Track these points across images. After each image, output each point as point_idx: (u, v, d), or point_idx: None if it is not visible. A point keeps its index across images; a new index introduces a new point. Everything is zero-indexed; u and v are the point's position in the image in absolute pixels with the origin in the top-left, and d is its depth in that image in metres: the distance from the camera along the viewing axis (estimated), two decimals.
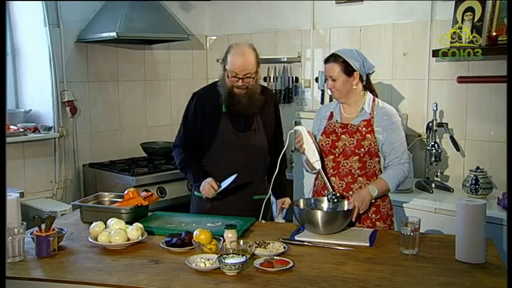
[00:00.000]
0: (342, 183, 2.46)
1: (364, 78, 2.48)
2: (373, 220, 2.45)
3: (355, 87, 2.44)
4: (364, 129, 2.43)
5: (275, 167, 2.56)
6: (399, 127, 2.47)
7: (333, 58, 2.44)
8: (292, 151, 3.79)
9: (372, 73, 2.51)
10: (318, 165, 2.39)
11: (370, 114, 2.45)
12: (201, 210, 2.72)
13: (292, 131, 2.48)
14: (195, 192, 2.78)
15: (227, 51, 2.57)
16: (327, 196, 2.39)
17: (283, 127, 2.87)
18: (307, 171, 2.62)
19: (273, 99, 2.83)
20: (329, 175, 2.46)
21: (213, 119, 2.64)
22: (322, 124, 2.56)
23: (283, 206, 2.75)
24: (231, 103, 2.59)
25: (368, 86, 2.53)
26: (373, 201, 2.42)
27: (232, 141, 2.64)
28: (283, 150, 2.57)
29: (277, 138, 2.80)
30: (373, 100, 2.49)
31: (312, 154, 2.40)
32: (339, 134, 2.47)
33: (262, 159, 2.73)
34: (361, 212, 2.37)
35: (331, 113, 2.55)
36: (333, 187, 2.42)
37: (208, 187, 2.57)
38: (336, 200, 2.36)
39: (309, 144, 2.40)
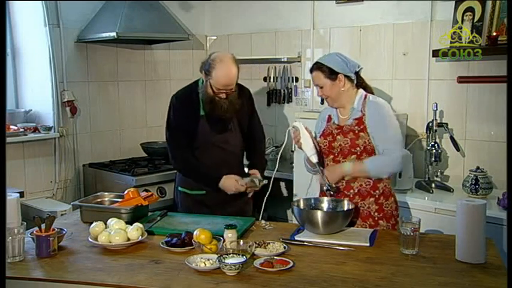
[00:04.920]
0: (343, 182, 2.47)
1: (354, 78, 2.49)
2: (376, 218, 2.45)
3: (343, 89, 2.46)
4: (356, 127, 2.45)
5: (252, 159, 2.89)
6: (389, 119, 2.45)
7: (315, 66, 2.50)
8: (292, 151, 3.79)
9: (359, 71, 2.52)
10: (314, 159, 2.41)
11: (361, 111, 2.46)
12: (186, 204, 2.88)
13: (291, 127, 2.52)
14: (179, 188, 2.93)
15: (210, 65, 2.65)
16: (323, 188, 2.42)
17: (262, 123, 3.04)
18: (308, 171, 2.63)
19: (249, 97, 2.94)
20: None
21: (192, 121, 2.77)
22: (322, 126, 2.59)
23: (252, 173, 2.84)
24: (211, 108, 2.72)
25: (361, 84, 2.54)
26: (373, 198, 2.44)
27: (210, 141, 2.78)
28: (282, 148, 2.68)
29: (254, 132, 2.94)
30: (364, 97, 2.50)
31: (308, 148, 2.43)
32: (334, 135, 2.50)
33: (238, 156, 2.90)
34: (333, 184, 2.40)
35: (329, 115, 2.58)
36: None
37: (234, 183, 2.71)
38: (332, 193, 2.38)
39: (306, 139, 2.44)
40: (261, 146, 3.03)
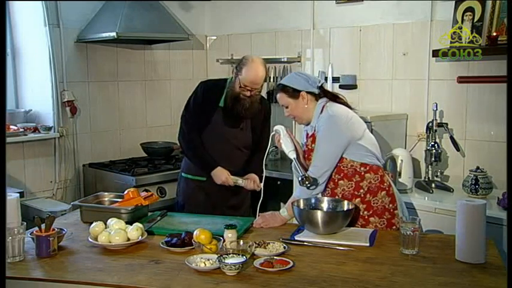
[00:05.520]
0: (328, 190, 2.49)
1: (317, 92, 2.50)
2: (366, 217, 2.44)
3: (306, 106, 2.49)
4: (313, 145, 2.48)
5: (250, 163, 3.03)
6: (330, 133, 2.41)
7: (278, 88, 2.56)
8: None
9: (321, 85, 2.53)
10: (292, 155, 2.48)
11: (314, 127, 2.49)
12: (186, 190, 3.10)
13: (273, 132, 2.60)
14: (182, 174, 3.14)
15: (242, 62, 2.88)
16: (298, 179, 2.43)
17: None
18: (296, 177, 2.61)
19: (267, 108, 3.14)
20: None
21: (209, 108, 2.97)
22: (303, 143, 2.63)
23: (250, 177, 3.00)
24: (232, 104, 2.91)
25: (327, 96, 2.53)
26: (359, 199, 2.43)
27: (220, 134, 2.97)
28: (267, 150, 2.74)
29: (261, 139, 3.06)
30: (322, 110, 2.48)
31: (287, 147, 2.50)
32: (306, 154, 2.58)
33: (243, 154, 3.06)
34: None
35: (307, 131, 2.59)
36: (306, 171, 2.47)
37: (225, 174, 2.93)
38: (307, 182, 2.37)
39: (286, 139, 2.53)
40: (262, 154, 3.03)
